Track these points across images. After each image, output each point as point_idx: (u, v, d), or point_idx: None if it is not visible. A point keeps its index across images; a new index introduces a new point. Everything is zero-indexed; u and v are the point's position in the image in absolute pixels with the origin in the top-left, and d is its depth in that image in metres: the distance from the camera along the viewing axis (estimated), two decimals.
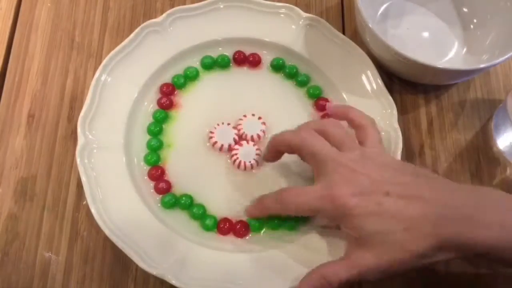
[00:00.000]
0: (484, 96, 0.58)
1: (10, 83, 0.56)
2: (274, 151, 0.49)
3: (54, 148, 0.54)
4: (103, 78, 0.53)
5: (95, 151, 0.51)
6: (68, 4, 0.60)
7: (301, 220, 0.51)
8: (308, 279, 0.43)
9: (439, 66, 0.51)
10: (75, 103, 0.56)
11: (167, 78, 0.56)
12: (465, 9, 0.60)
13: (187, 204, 0.51)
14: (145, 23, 0.56)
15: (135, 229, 0.48)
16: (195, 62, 0.57)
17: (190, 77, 0.56)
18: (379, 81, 0.55)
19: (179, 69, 0.57)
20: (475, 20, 0.60)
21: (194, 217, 0.50)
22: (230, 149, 0.53)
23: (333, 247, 0.48)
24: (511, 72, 0.60)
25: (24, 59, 0.57)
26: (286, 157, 0.54)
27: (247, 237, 0.50)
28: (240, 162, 0.52)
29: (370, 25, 0.51)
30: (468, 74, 0.54)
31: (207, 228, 0.50)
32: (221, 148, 0.53)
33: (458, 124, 0.57)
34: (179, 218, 0.51)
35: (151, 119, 0.54)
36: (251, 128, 0.54)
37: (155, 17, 0.57)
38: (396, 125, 0.53)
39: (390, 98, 0.54)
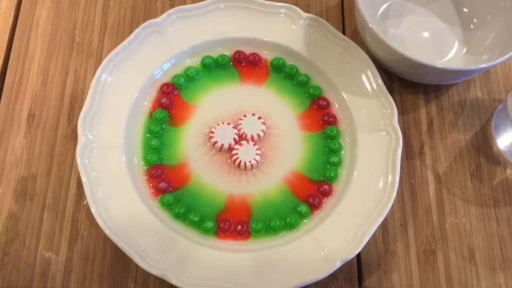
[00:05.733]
0: (484, 96, 0.58)
1: (10, 83, 0.56)
2: None
3: (54, 147, 0.54)
4: (103, 78, 0.53)
5: (95, 150, 0.51)
6: (68, 4, 0.60)
7: (301, 221, 0.51)
8: None
9: (439, 66, 0.51)
10: (75, 102, 0.56)
11: (167, 78, 0.56)
12: (465, 9, 0.60)
13: (181, 214, 0.51)
14: (145, 23, 0.56)
15: (135, 229, 0.48)
16: (195, 62, 0.57)
17: (190, 77, 0.56)
18: (379, 81, 0.55)
19: (179, 69, 0.57)
20: (475, 20, 0.60)
21: (192, 224, 0.50)
22: (230, 148, 0.53)
23: (333, 246, 0.49)
24: (511, 72, 0.60)
25: (24, 59, 0.57)
26: (286, 156, 0.54)
27: (248, 241, 0.50)
28: (240, 162, 0.52)
29: (370, 25, 0.51)
30: (468, 74, 0.55)
31: (207, 231, 0.50)
32: (221, 148, 0.53)
33: (458, 124, 0.57)
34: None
35: (151, 119, 0.54)
36: (251, 127, 0.54)
37: (155, 17, 0.57)
38: (396, 125, 0.53)
39: (390, 98, 0.54)
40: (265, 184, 0.53)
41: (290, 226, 0.51)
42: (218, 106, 0.55)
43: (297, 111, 0.56)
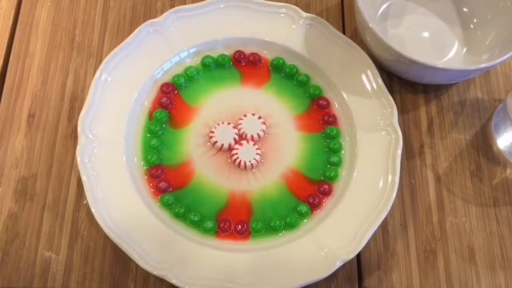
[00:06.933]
0: (484, 96, 0.58)
1: (10, 83, 0.56)
2: None
3: (54, 147, 0.54)
4: (103, 77, 0.53)
5: (95, 150, 0.51)
6: (68, 4, 0.60)
7: (301, 220, 0.51)
8: None
9: (439, 66, 0.51)
10: (75, 102, 0.56)
11: (167, 78, 0.56)
12: (465, 9, 0.60)
13: (181, 213, 0.51)
14: (145, 23, 0.56)
15: (135, 229, 0.48)
16: (195, 62, 0.57)
17: (190, 77, 0.56)
18: (379, 80, 0.55)
19: (179, 69, 0.57)
20: (475, 20, 0.60)
21: (192, 224, 0.50)
22: (230, 148, 0.53)
23: (333, 246, 0.49)
24: (511, 72, 0.60)
25: (24, 59, 0.57)
26: (286, 156, 0.54)
27: (248, 241, 0.50)
28: (240, 162, 0.52)
29: (370, 25, 0.51)
30: (468, 74, 0.55)
31: (207, 231, 0.50)
32: (221, 148, 0.53)
33: (458, 124, 0.57)
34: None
35: (151, 119, 0.54)
36: (251, 127, 0.54)
37: (155, 17, 0.57)
38: (396, 125, 0.53)
39: (390, 97, 0.54)
40: (264, 182, 0.53)
41: (290, 226, 0.51)
42: (219, 107, 0.55)
43: (297, 111, 0.56)
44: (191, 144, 0.54)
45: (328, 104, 0.56)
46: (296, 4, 0.59)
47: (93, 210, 0.48)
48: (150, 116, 0.54)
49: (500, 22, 0.57)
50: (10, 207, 0.51)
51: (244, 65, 0.57)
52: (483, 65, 0.51)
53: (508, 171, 0.55)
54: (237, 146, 0.53)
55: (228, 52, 0.58)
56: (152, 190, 0.52)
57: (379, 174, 0.52)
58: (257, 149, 0.53)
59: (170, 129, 0.54)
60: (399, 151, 0.52)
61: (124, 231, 0.48)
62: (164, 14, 0.56)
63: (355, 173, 0.52)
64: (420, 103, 0.58)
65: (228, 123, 0.54)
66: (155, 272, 0.46)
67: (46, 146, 0.54)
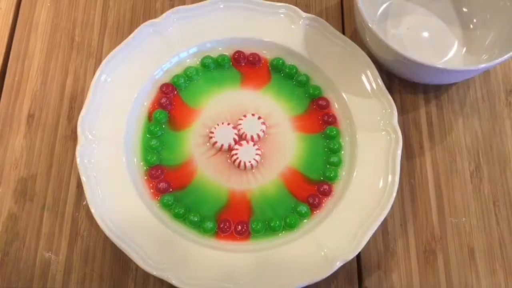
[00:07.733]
0: (484, 96, 0.58)
1: (10, 83, 0.56)
2: None
3: (54, 148, 0.54)
4: (103, 78, 0.53)
5: (95, 151, 0.51)
6: (68, 4, 0.60)
7: (301, 221, 0.51)
8: None
9: (439, 66, 0.51)
10: (75, 103, 0.56)
11: (167, 78, 0.56)
12: (465, 9, 0.60)
13: (180, 214, 0.51)
14: (145, 23, 0.56)
15: (135, 229, 0.48)
16: (195, 62, 0.57)
17: (190, 77, 0.56)
18: (379, 81, 0.55)
19: (179, 69, 0.57)
20: (475, 20, 0.60)
21: (192, 224, 0.50)
22: (230, 149, 0.53)
23: (332, 246, 0.49)
24: (511, 72, 0.60)
25: (24, 59, 0.57)
26: (286, 156, 0.54)
27: (248, 241, 0.50)
28: (240, 162, 0.52)
29: (370, 25, 0.51)
30: (468, 74, 0.54)
31: (207, 231, 0.50)
32: (221, 148, 0.53)
33: (458, 124, 0.57)
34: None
35: (150, 120, 0.54)
36: (251, 128, 0.54)
37: (155, 17, 0.57)
38: (396, 125, 0.53)
39: (390, 98, 0.54)
40: (264, 182, 0.53)
41: (290, 226, 0.51)
42: (219, 108, 0.55)
43: (297, 112, 0.56)
44: (191, 145, 0.54)
45: (327, 104, 0.56)
46: (296, 4, 0.59)
47: (92, 210, 0.48)
48: (150, 117, 0.54)
49: (500, 22, 0.57)
50: (10, 207, 0.51)
51: (244, 65, 0.57)
52: (483, 65, 0.51)
53: (508, 171, 0.55)
54: (237, 146, 0.53)
55: (228, 52, 0.57)
56: (152, 190, 0.52)
57: (379, 174, 0.52)
58: (257, 149, 0.53)
59: (170, 131, 0.54)
60: (399, 151, 0.52)
61: (124, 231, 0.48)
62: (163, 14, 0.56)
63: (355, 173, 0.52)
64: (420, 103, 0.58)
65: (228, 124, 0.54)
66: (154, 273, 0.46)
67: (45, 146, 0.54)
